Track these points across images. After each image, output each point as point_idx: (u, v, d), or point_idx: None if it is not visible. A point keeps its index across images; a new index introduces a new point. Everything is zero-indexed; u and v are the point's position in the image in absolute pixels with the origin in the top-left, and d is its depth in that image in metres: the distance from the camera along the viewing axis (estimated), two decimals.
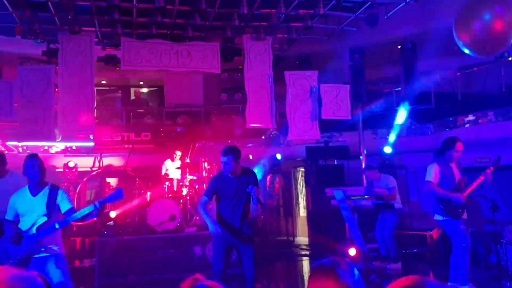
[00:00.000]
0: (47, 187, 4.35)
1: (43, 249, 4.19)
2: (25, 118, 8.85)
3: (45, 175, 4.37)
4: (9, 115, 9.04)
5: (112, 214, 8.85)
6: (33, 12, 8.73)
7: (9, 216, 4.34)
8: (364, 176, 9.03)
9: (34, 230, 4.17)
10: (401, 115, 10.43)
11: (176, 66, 9.57)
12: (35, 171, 4.27)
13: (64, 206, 4.33)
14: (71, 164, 10.61)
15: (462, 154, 5.55)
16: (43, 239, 4.19)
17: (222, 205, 5.06)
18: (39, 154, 4.44)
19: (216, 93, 11.56)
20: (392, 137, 10.84)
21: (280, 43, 10.65)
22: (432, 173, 5.48)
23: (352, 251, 7.13)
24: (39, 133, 8.94)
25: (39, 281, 1.43)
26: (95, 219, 4.28)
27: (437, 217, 5.55)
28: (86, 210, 4.18)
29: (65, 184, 10.32)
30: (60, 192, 4.36)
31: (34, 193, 4.30)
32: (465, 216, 5.50)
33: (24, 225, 4.26)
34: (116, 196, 4.28)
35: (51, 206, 4.27)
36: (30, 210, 4.25)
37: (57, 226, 4.18)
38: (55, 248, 4.30)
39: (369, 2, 9.23)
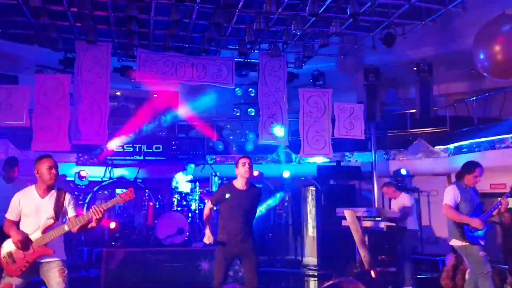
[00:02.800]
0: (54, 190, 4.26)
1: (51, 253, 4.09)
2: (40, 126, 8.91)
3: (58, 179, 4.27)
4: (20, 119, 9.08)
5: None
6: (52, 21, 8.85)
7: (11, 216, 4.15)
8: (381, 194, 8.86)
9: (39, 233, 4.06)
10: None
11: (190, 79, 9.59)
12: (52, 173, 4.15)
13: (70, 212, 4.24)
14: (82, 174, 10.61)
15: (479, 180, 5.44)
16: (50, 243, 4.09)
17: (226, 216, 5.03)
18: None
19: (229, 107, 11.55)
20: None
21: (295, 60, 10.64)
22: (451, 196, 5.33)
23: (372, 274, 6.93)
24: (53, 141, 8.98)
25: None
26: (94, 225, 4.16)
27: (455, 242, 5.38)
28: (85, 217, 4.10)
29: (75, 193, 10.32)
30: (68, 196, 4.27)
31: (42, 194, 4.20)
32: (483, 242, 5.33)
33: (28, 226, 4.13)
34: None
35: (59, 209, 4.17)
36: (37, 211, 4.14)
37: (66, 228, 4.08)
38: (59, 253, 4.20)
39: (386, 22, 9.21)
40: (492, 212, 5.24)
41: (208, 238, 4.97)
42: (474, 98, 10.69)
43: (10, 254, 4.05)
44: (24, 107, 8.97)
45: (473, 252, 5.22)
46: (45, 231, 4.05)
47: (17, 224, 4.16)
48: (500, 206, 5.21)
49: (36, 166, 4.19)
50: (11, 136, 10.46)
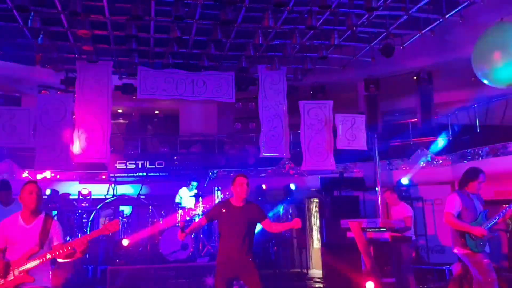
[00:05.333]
0: (42, 215, 4.22)
1: (31, 281, 4.03)
2: (43, 146, 8.98)
3: (41, 204, 4.22)
4: (27, 142, 9.17)
5: (125, 242, 8.77)
6: (53, 41, 8.94)
7: None
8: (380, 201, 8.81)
9: (23, 260, 4.02)
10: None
11: (191, 95, 9.67)
12: (33, 197, 4.07)
13: (56, 240, 4.18)
14: (84, 192, 10.61)
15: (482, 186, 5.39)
16: (33, 270, 4.04)
17: (224, 234, 4.99)
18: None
19: (230, 122, 11.60)
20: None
21: (294, 73, 10.70)
22: (453, 204, 5.30)
23: (369, 285, 6.89)
24: (56, 160, 9.02)
25: None
26: (79, 256, 4.12)
27: (458, 250, 5.34)
28: (68, 247, 4.04)
29: (79, 211, 10.32)
30: (54, 223, 4.20)
31: (27, 221, 4.11)
32: (487, 250, 5.28)
33: (13, 254, 4.08)
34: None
35: (44, 236, 4.12)
36: (22, 239, 4.08)
37: (48, 256, 4.03)
38: (44, 280, 4.15)
39: (385, 33, 9.25)
40: (497, 219, 5.17)
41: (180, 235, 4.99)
42: (475, 105, 10.69)
43: None
44: (28, 128, 9.04)
45: (476, 260, 5.16)
46: (28, 258, 4.02)
47: (4, 251, 4.09)
48: (505, 214, 5.15)
49: (20, 193, 4.14)
50: (14, 156, 10.51)
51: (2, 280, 3.98)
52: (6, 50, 9.58)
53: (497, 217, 5.16)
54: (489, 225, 5.15)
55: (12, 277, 3.99)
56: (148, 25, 8.72)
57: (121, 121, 14.94)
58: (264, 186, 10.56)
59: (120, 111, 14.21)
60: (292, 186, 10.92)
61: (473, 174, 5.30)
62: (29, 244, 4.04)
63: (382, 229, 7.00)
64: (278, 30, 9.00)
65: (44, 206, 4.60)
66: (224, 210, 4.97)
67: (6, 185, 6.14)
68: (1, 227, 4.12)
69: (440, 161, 10.73)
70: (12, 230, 4.09)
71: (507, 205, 5.16)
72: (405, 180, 10.42)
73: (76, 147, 9.10)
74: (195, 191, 9.78)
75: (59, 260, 4.10)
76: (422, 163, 10.91)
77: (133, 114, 14.62)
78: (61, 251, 4.02)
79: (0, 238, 4.09)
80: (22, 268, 3.99)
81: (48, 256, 4.01)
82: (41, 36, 8.55)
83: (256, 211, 5.03)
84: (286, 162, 11.38)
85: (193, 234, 8.79)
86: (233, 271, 4.91)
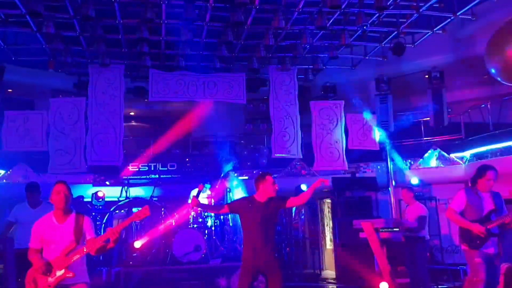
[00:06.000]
0: (73, 213, 4.33)
1: (71, 276, 4.14)
2: (56, 149, 9.08)
3: (70, 203, 4.33)
4: (40, 146, 9.28)
5: (137, 244, 8.82)
6: (65, 46, 9.04)
7: (34, 244, 4.23)
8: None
9: (61, 257, 4.12)
10: None
11: (202, 97, 9.70)
12: (60, 197, 4.24)
13: (88, 235, 4.30)
14: (99, 194, 10.70)
15: (495, 185, 5.31)
16: (72, 267, 4.15)
17: (248, 229, 5.07)
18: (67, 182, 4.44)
19: (241, 123, 11.62)
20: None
21: (305, 73, 10.68)
22: (457, 200, 5.26)
23: (384, 286, 6.85)
24: (69, 163, 9.11)
25: None
26: (112, 245, 4.20)
27: (460, 244, 5.33)
28: (102, 237, 4.14)
29: (93, 214, 10.41)
30: (86, 220, 4.33)
31: (60, 220, 4.26)
32: (491, 250, 5.11)
33: (50, 253, 4.21)
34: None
35: (78, 232, 4.23)
36: (57, 238, 4.21)
37: (85, 250, 4.14)
38: (82, 275, 4.26)
39: (395, 32, 9.21)
40: (498, 221, 4.99)
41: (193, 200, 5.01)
42: (488, 103, 10.58)
43: (34, 281, 4.14)
44: (41, 131, 9.14)
45: (469, 256, 5.12)
46: (67, 255, 4.12)
47: (41, 251, 4.23)
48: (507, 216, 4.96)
49: (51, 193, 4.28)
50: (28, 160, 10.64)
51: (46, 279, 4.09)
52: (20, 55, 9.72)
53: (504, 217, 4.98)
54: (494, 225, 5.04)
55: (55, 275, 4.10)
56: (159, 28, 8.77)
57: (133, 123, 15.03)
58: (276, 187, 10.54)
59: (132, 113, 14.29)
60: (303, 187, 10.87)
61: (481, 171, 5.20)
62: (65, 242, 4.18)
63: (395, 229, 6.96)
64: (289, 31, 9.01)
65: None
66: (249, 205, 5.06)
67: (34, 187, 6.24)
68: (36, 228, 4.27)
69: (453, 160, 10.63)
70: (47, 230, 4.24)
71: None
72: (415, 180, 10.34)
73: (89, 150, 9.19)
74: (208, 192, 9.82)
75: (93, 253, 4.20)
76: (434, 162, 10.83)
77: (145, 116, 14.71)
78: (95, 243, 4.13)
79: (36, 239, 4.25)
80: (63, 265, 4.10)
81: (85, 250, 4.11)
82: (54, 41, 8.65)
83: (277, 200, 5.15)
84: (298, 163, 11.36)
85: (205, 212, 8.81)
86: (259, 265, 5.00)
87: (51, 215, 4.30)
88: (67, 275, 4.13)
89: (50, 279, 4.11)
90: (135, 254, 9.10)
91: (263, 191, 5.09)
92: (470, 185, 5.42)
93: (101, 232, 10.40)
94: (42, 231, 4.23)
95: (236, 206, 5.22)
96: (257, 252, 4.96)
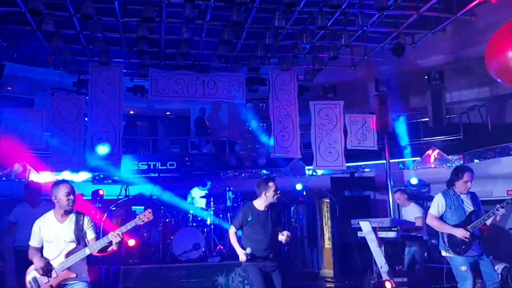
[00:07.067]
0: (73, 213, 4.32)
1: (73, 276, 4.14)
2: (56, 146, 9.08)
3: (75, 203, 4.31)
4: (39, 144, 9.28)
5: (131, 242, 8.87)
6: (66, 44, 9.05)
7: (34, 243, 4.23)
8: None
9: (62, 257, 4.12)
10: None
11: (202, 96, 9.71)
12: (70, 199, 4.20)
13: (89, 235, 4.29)
14: (100, 192, 10.70)
15: (493, 185, 5.29)
16: (73, 266, 4.14)
17: (251, 238, 5.07)
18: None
19: (241, 123, 11.63)
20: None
21: (305, 73, 10.69)
22: (435, 204, 5.12)
23: (388, 285, 6.86)
24: (69, 161, 9.13)
25: None
26: (115, 248, 4.19)
27: (443, 252, 5.09)
28: (105, 240, 4.14)
29: (92, 212, 10.41)
30: (86, 219, 4.32)
31: (60, 219, 4.25)
32: (475, 252, 4.94)
33: (50, 252, 4.20)
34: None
35: (79, 232, 4.22)
36: (57, 237, 4.20)
37: (87, 251, 4.13)
38: (84, 275, 4.26)
39: (395, 33, 9.22)
40: (484, 220, 4.88)
41: (241, 256, 4.95)
42: (487, 104, 10.60)
43: (35, 280, 4.13)
44: (40, 129, 9.15)
45: (454, 264, 4.98)
46: (68, 255, 4.11)
47: (40, 250, 4.23)
48: (497, 214, 4.85)
49: (54, 192, 4.24)
50: (27, 158, 10.63)
51: (47, 279, 4.08)
52: (20, 52, 9.72)
53: (485, 218, 4.89)
54: (476, 226, 4.90)
55: (56, 275, 4.09)
56: (159, 27, 8.78)
57: (133, 122, 15.04)
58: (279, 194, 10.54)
59: (132, 112, 14.30)
60: (298, 186, 10.85)
61: (458, 173, 5.10)
62: (66, 241, 4.15)
63: (393, 229, 6.99)
64: (289, 31, 9.01)
65: None
66: (250, 215, 5.05)
67: (35, 187, 6.25)
68: (36, 228, 4.23)
69: (452, 160, 10.65)
70: (47, 229, 4.23)
71: (498, 205, 4.86)
72: (414, 180, 10.36)
73: (89, 148, 9.20)
74: (206, 191, 9.83)
75: (94, 254, 4.21)
76: (433, 163, 10.84)
77: (145, 115, 14.72)
78: (98, 244, 4.12)
79: (36, 237, 4.23)
80: (64, 265, 4.09)
81: (87, 251, 4.11)
82: (53, 39, 8.66)
83: (278, 216, 5.17)
84: (297, 162, 11.37)
85: (205, 234, 8.83)
86: (265, 268, 5.02)
87: (51, 213, 4.29)
88: (70, 276, 4.14)
89: (52, 280, 4.11)
90: (134, 252, 9.12)
91: (266, 198, 5.07)
92: (446, 187, 5.30)
93: (100, 231, 10.41)
94: (42, 230, 4.22)
95: (239, 221, 5.16)
96: (260, 259, 4.98)
